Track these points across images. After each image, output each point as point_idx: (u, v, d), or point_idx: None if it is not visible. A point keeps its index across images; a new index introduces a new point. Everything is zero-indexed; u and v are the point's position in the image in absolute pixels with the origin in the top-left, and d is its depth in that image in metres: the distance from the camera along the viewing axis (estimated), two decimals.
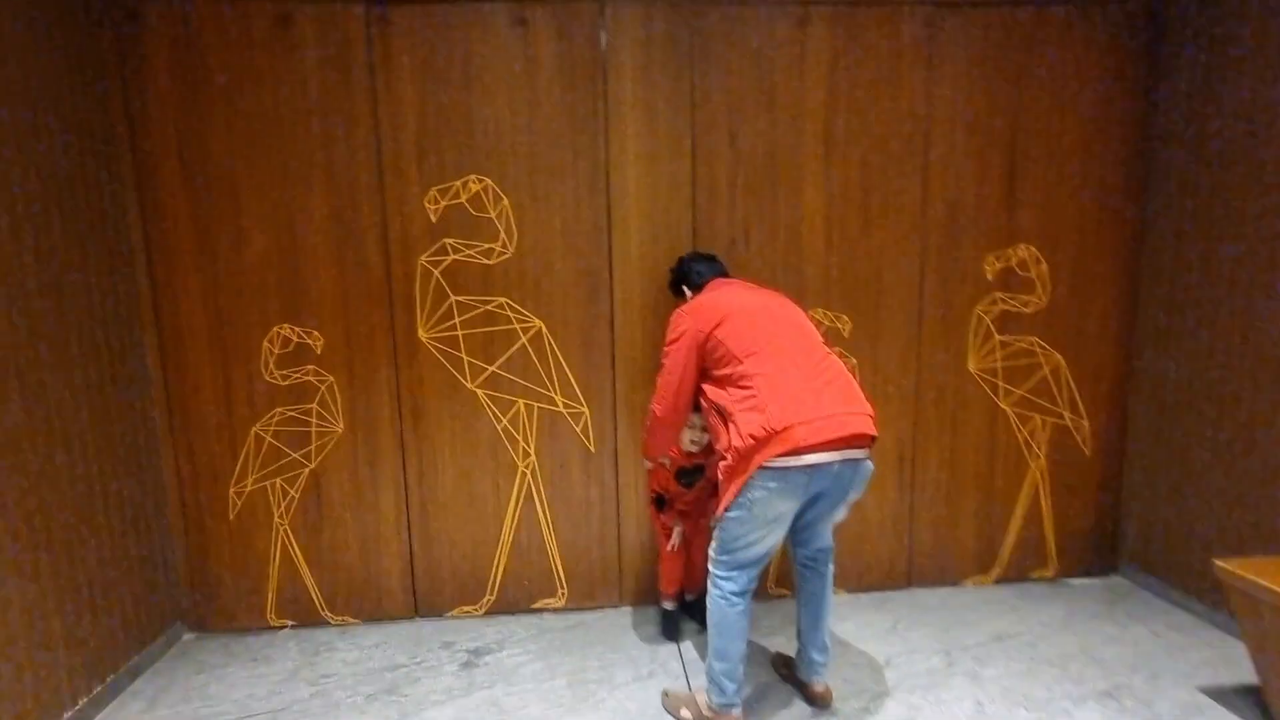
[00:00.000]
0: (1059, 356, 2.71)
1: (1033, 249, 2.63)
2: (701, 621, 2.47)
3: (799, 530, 1.91)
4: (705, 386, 1.92)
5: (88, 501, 2.12)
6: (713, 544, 1.89)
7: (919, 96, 2.51)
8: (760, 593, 2.73)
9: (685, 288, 2.19)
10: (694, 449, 2.29)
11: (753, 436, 1.69)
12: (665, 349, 1.98)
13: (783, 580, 2.75)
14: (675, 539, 2.42)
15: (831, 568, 2.00)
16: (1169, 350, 2.59)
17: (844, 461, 1.73)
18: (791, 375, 1.76)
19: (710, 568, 1.90)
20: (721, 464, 1.81)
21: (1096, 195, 2.63)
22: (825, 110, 2.49)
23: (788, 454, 1.67)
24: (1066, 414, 2.75)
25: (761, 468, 1.69)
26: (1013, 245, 2.63)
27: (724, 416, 1.81)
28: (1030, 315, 2.67)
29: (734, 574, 1.85)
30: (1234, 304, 2.33)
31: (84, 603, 2.09)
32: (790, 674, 2.14)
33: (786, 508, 1.76)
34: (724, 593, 1.86)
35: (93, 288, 2.18)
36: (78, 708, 2.04)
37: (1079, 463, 2.79)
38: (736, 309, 1.90)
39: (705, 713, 1.93)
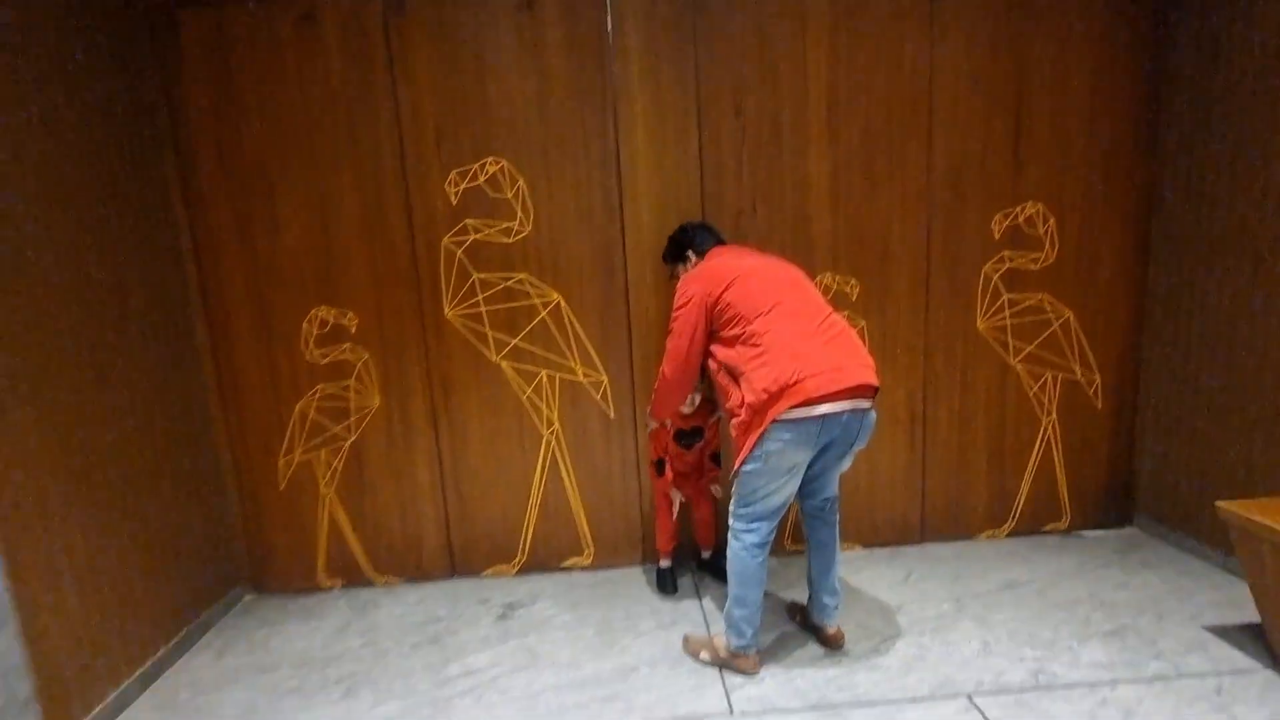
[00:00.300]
0: (1069, 312, 2.74)
1: (1040, 206, 2.66)
2: (719, 576, 2.62)
3: (808, 481, 2.02)
4: (714, 348, 2.01)
5: (155, 473, 2.33)
6: (733, 499, 2.00)
7: (922, 57, 2.54)
8: (778, 549, 2.86)
9: (690, 253, 2.26)
10: (688, 410, 2.43)
11: (766, 391, 1.80)
12: (674, 313, 2.06)
13: (798, 537, 2.87)
14: (676, 502, 2.57)
15: (838, 516, 2.11)
16: (1180, 301, 2.60)
17: (852, 411, 1.84)
18: (799, 331, 1.87)
19: (731, 522, 2.02)
20: (735, 420, 1.91)
21: (1105, 149, 2.63)
22: (828, 77, 2.54)
23: (800, 405, 1.78)
24: (1078, 369, 2.79)
25: (776, 420, 1.80)
26: (1020, 204, 2.65)
27: (734, 375, 1.92)
28: (1039, 272, 2.70)
29: (755, 525, 1.97)
30: (1244, 253, 2.34)
31: (158, 565, 2.31)
32: (805, 620, 2.27)
33: (801, 457, 1.87)
34: (745, 545, 1.98)
35: (147, 276, 2.37)
36: (157, 656, 2.27)
37: (1091, 416, 2.83)
38: (744, 271, 1.98)
39: (723, 655, 2.07)
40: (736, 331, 1.93)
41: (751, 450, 1.86)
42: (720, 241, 2.25)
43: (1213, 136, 2.42)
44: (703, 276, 2.03)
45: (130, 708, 2.10)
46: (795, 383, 1.78)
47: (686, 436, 2.49)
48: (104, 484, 2.09)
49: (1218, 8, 2.37)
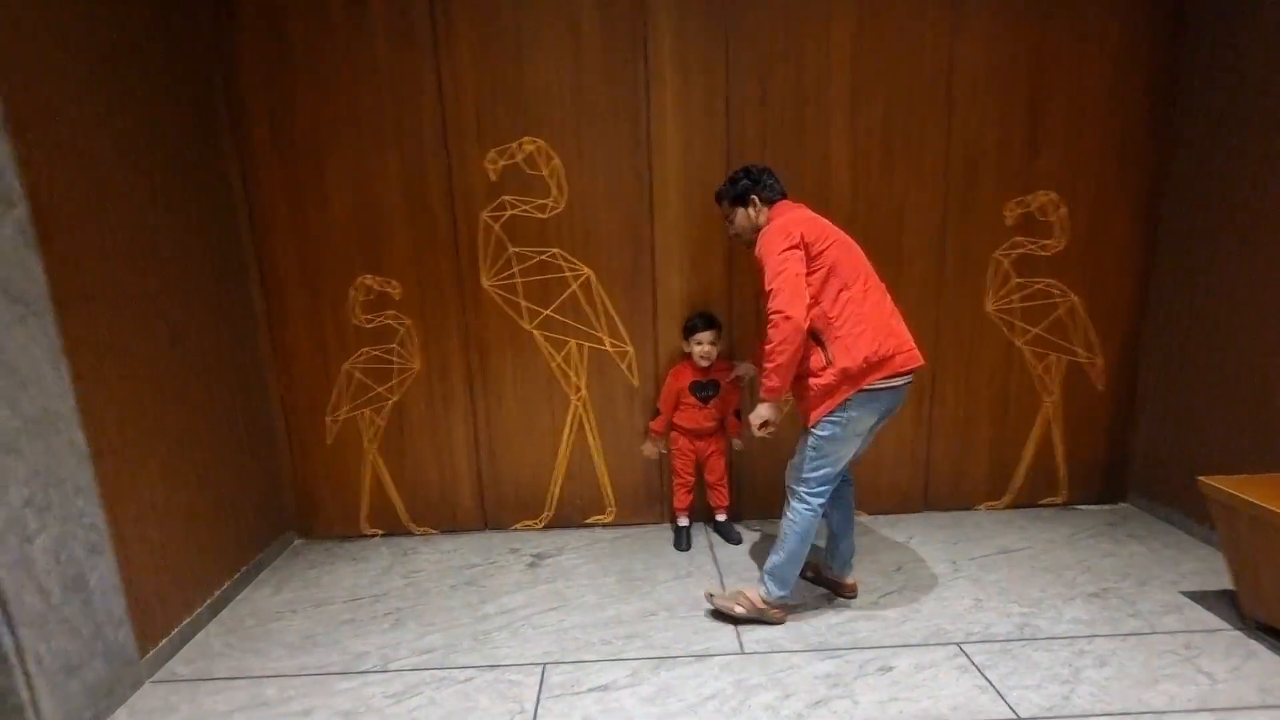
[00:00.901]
0: (1075, 297, 2.87)
1: (1053, 194, 2.77)
2: (732, 539, 2.83)
3: None
4: None
5: (217, 427, 2.54)
6: (802, 466, 2.10)
7: (943, 46, 2.63)
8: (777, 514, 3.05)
9: (755, 198, 2.16)
10: (704, 364, 2.65)
11: (866, 360, 1.95)
12: (778, 256, 1.96)
13: None
14: (656, 452, 2.91)
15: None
16: (1181, 291, 2.72)
17: (906, 385, 2.06)
18: (883, 306, 2.04)
19: (798, 488, 2.12)
20: (813, 382, 2.01)
21: (1117, 141, 2.73)
22: (851, 63, 2.64)
23: (888, 377, 1.98)
24: (1081, 351, 2.93)
25: (863, 389, 1.97)
26: (1033, 191, 2.76)
27: (822, 338, 2.00)
28: (1048, 258, 2.83)
29: (823, 489, 2.10)
30: (1246, 247, 2.45)
31: (221, 508, 2.54)
32: (818, 575, 2.45)
33: (871, 423, 2.07)
34: (813, 507, 2.11)
35: (208, 243, 2.56)
36: (222, 589, 2.51)
37: (1092, 397, 2.98)
38: (836, 236, 2.05)
39: (760, 605, 2.20)
40: (833, 293, 1.99)
41: (831, 413, 2.00)
42: (785, 195, 2.20)
43: (1223, 132, 2.51)
44: (805, 225, 2.01)
45: (202, 632, 2.35)
46: (891, 356, 1.98)
47: (703, 388, 2.69)
48: (176, 434, 2.31)
49: (1234, 4, 2.44)
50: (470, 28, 2.61)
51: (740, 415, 2.86)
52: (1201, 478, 2.17)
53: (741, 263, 2.80)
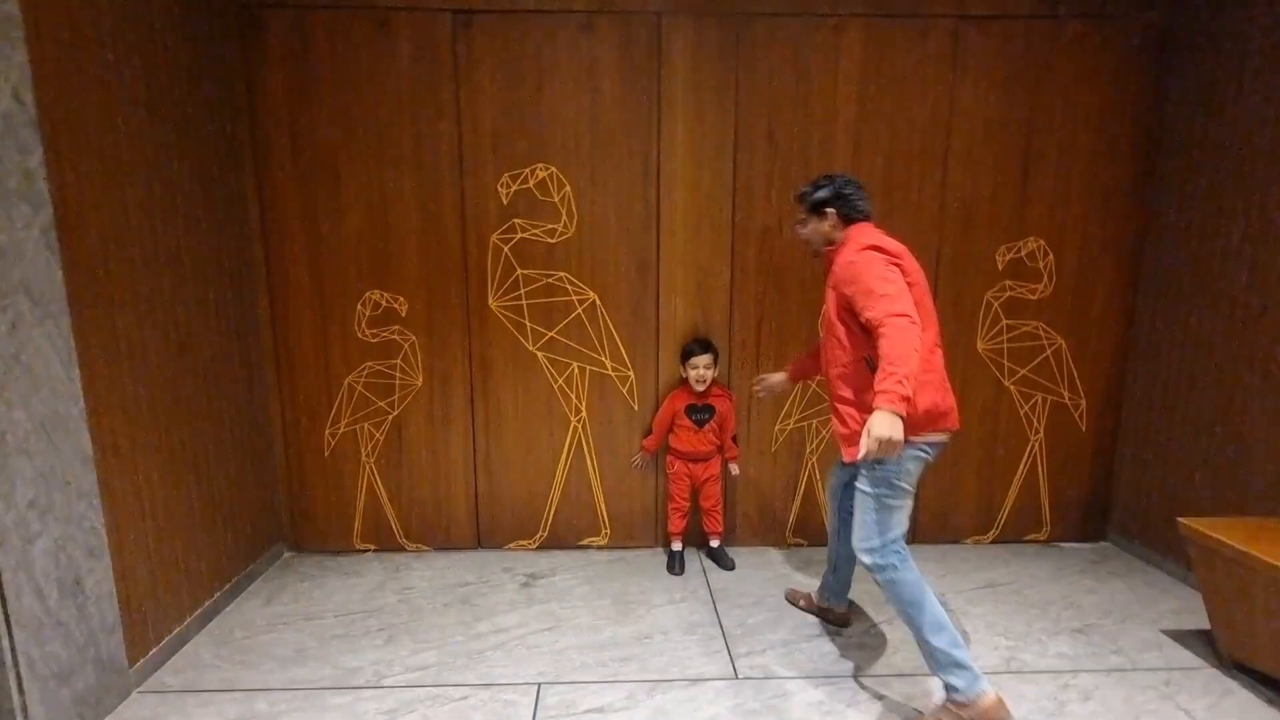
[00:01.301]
0: (1061, 340, 2.98)
1: (1041, 242, 2.90)
2: (725, 565, 2.86)
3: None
4: (857, 337, 1.89)
5: (218, 433, 2.54)
6: (871, 538, 1.88)
7: (942, 100, 2.77)
8: (780, 541, 3.10)
9: (832, 211, 2.00)
10: (699, 388, 2.72)
11: (927, 411, 1.82)
12: (882, 268, 1.78)
13: (799, 531, 3.10)
14: (639, 464, 2.95)
15: None
16: (1162, 338, 2.85)
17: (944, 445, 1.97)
18: (943, 361, 1.95)
19: (878, 560, 1.87)
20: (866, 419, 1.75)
21: (1103, 193, 2.87)
22: (856, 111, 2.77)
23: (940, 431, 1.89)
24: (1066, 393, 3.03)
25: (919, 440, 1.84)
26: (1023, 238, 2.89)
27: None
28: (1036, 302, 2.94)
29: (898, 546, 1.88)
30: (1222, 298, 2.59)
31: (216, 516, 2.53)
32: (812, 604, 2.47)
33: (918, 476, 1.92)
34: (909, 567, 1.86)
35: (222, 253, 2.59)
36: (212, 599, 2.49)
37: (1075, 438, 3.08)
38: (921, 277, 1.90)
39: (966, 710, 1.80)
40: None
41: (889, 467, 1.83)
42: (869, 216, 2.03)
43: (1201, 187, 2.66)
44: (903, 253, 1.88)
45: (191, 642, 2.32)
46: (946, 412, 1.90)
47: (699, 411, 2.75)
48: (178, 439, 2.31)
49: (1212, 67, 2.61)
50: (491, 56, 2.70)
51: (737, 440, 2.92)
52: (1180, 519, 2.26)
53: (743, 294, 2.88)
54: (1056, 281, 2.93)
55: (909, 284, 1.82)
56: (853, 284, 1.83)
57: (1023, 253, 2.91)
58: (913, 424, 1.76)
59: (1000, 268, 2.91)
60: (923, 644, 1.86)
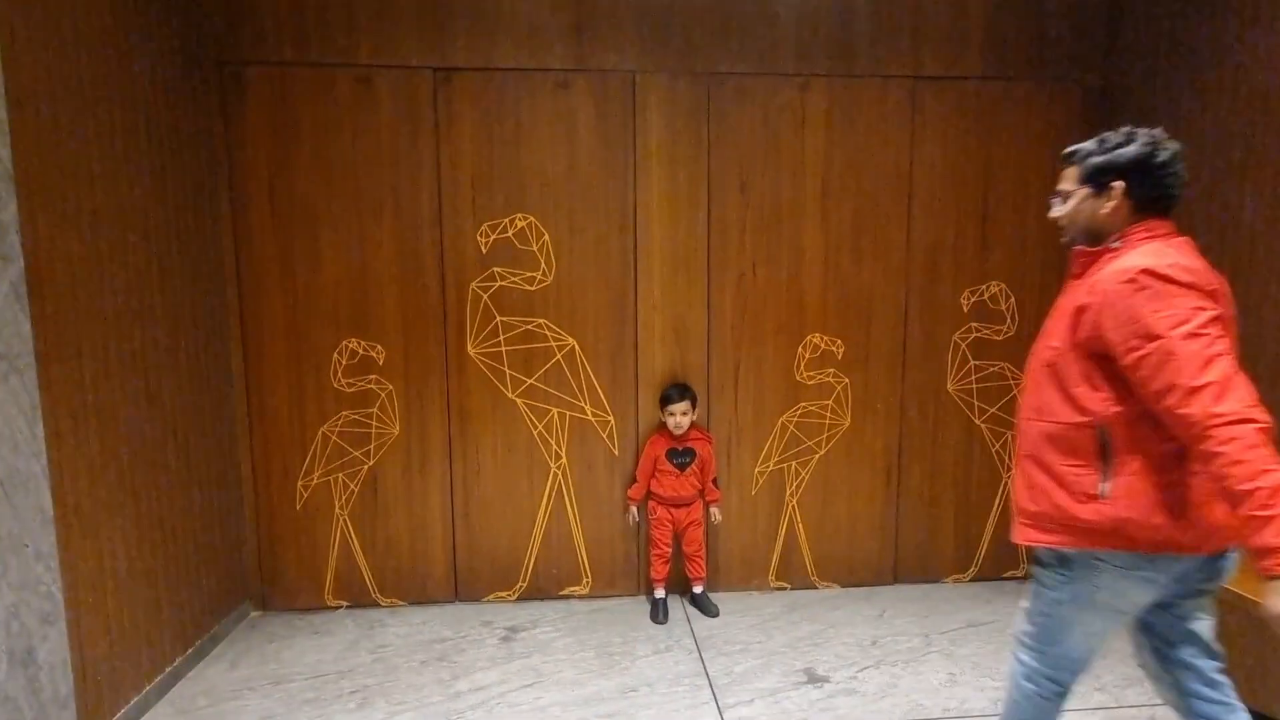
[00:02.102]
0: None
1: (1003, 285, 3.02)
2: (709, 612, 2.83)
3: None
4: (1110, 393, 1.30)
5: (186, 488, 2.47)
6: (1031, 631, 1.46)
7: (904, 154, 2.92)
8: (763, 584, 3.07)
9: (1120, 189, 1.35)
10: (678, 432, 2.75)
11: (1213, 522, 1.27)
12: (1195, 327, 1.18)
13: (781, 574, 3.08)
14: (633, 518, 2.91)
15: None
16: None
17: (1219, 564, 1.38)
18: None
19: (1020, 654, 1.48)
20: (1062, 497, 1.33)
21: (1056, 241, 3.00)
22: (823, 164, 2.90)
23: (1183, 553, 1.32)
24: None
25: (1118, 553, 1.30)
26: (985, 282, 3.02)
27: (1110, 448, 1.30)
28: (1001, 342, 3.05)
29: (1057, 673, 1.44)
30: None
31: (181, 576, 2.43)
32: None
33: (1144, 601, 1.39)
34: (1039, 690, 1.46)
35: (197, 303, 2.56)
36: (174, 665, 2.36)
37: None
38: (1229, 305, 1.31)
39: None
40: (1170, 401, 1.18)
41: (1066, 562, 1.36)
42: (1173, 205, 1.40)
43: None
44: (1206, 285, 1.25)
45: (150, 712, 2.19)
46: (1213, 529, 1.32)
47: (679, 455, 2.76)
48: (144, 494, 2.23)
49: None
50: (471, 111, 2.78)
51: (718, 483, 2.92)
52: None
53: (719, 338, 2.94)
54: (1019, 323, 3.04)
55: (1225, 309, 1.25)
56: (1129, 325, 1.22)
57: (985, 295, 3.03)
58: (1127, 531, 1.28)
59: (965, 310, 3.03)
60: None
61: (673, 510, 2.83)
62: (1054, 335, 1.40)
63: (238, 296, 2.78)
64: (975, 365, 3.05)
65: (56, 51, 1.90)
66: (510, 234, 2.84)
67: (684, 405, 2.77)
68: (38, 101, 1.84)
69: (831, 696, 2.25)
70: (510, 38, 2.75)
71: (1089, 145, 1.43)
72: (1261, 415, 1.13)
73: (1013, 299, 3.03)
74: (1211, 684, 1.40)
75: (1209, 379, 1.14)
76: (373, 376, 2.85)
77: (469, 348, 2.87)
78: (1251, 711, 1.83)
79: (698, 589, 2.92)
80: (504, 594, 2.99)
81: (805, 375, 2.98)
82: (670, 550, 2.87)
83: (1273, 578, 1.08)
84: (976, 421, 3.09)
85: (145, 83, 2.29)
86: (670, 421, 2.76)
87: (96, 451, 2.02)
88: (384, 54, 2.72)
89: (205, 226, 2.63)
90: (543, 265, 2.86)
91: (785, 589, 3.07)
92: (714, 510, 2.90)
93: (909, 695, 2.24)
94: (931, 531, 3.13)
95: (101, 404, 2.04)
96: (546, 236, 2.85)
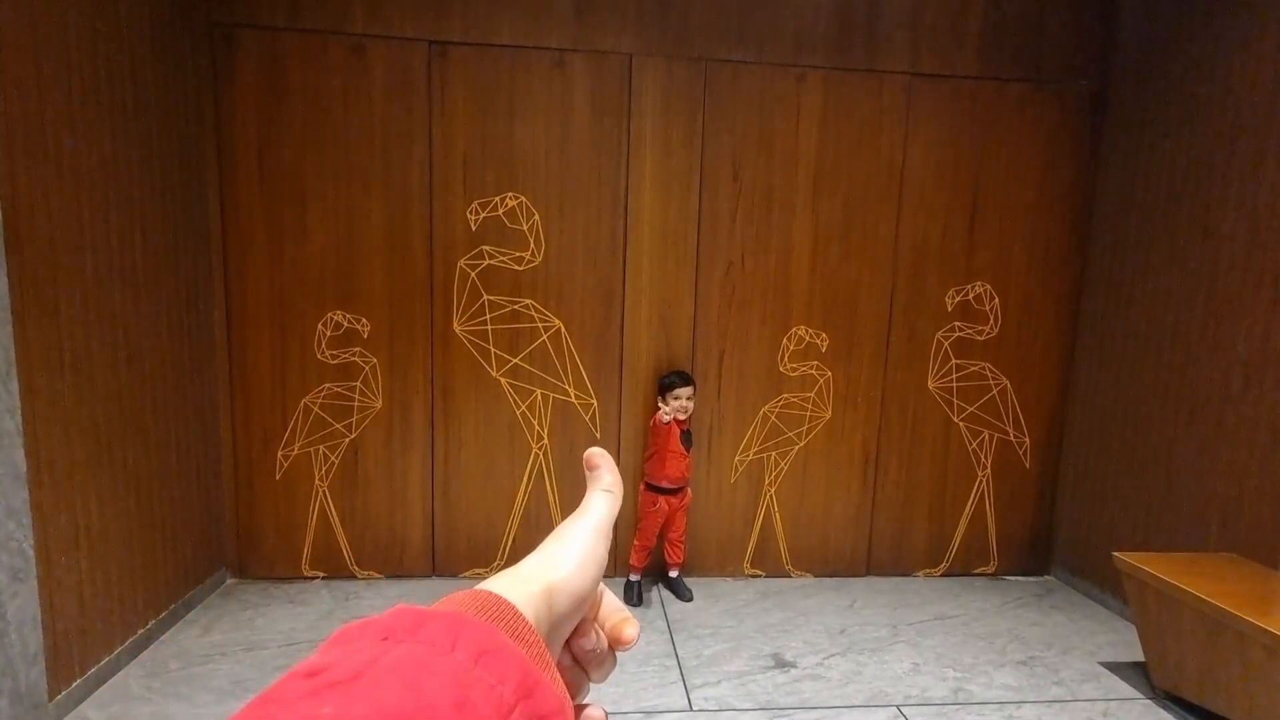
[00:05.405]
0: (1006, 380, 3.12)
1: (988, 286, 3.05)
2: (683, 595, 2.86)
3: None
4: None
5: (164, 453, 2.46)
6: None
7: (896, 150, 2.93)
8: (737, 571, 3.11)
9: None
10: (683, 416, 2.74)
11: None
12: None
13: (756, 561, 3.12)
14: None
15: None
16: (1099, 381, 3.01)
17: None
18: None
19: None
20: None
21: (1044, 243, 3.05)
22: (815, 156, 2.91)
23: None
24: (1011, 431, 3.16)
25: None
26: (971, 282, 3.04)
27: None
28: (983, 343, 3.09)
29: None
30: (1149, 349, 2.76)
31: (157, 540, 2.42)
32: None
33: None
34: None
35: (180, 271, 2.54)
36: (147, 628, 2.37)
37: (1020, 474, 3.20)
38: None
39: None
40: None
41: None
42: None
43: (1130, 242, 2.86)
44: None
45: (120, 673, 2.20)
46: None
47: (687, 437, 2.77)
48: (121, 457, 2.23)
49: (1138, 129, 2.83)
50: (466, 86, 2.76)
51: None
52: (1116, 554, 2.36)
53: (706, 326, 2.95)
54: (1002, 324, 3.08)
55: None
56: None
57: (970, 295, 3.05)
58: None
59: (949, 309, 3.05)
60: None
61: (670, 499, 2.81)
62: None
63: (223, 263, 2.76)
64: (956, 364, 3.09)
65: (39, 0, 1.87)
66: (500, 212, 2.83)
67: (689, 390, 2.75)
68: (20, 53, 1.81)
69: (797, 681, 2.29)
70: (508, 14, 2.72)
71: None
72: None
73: (997, 300, 3.06)
74: None
75: None
76: (357, 349, 2.84)
77: (455, 325, 2.86)
78: (1166, 694, 1.83)
79: (674, 573, 2.95)
80: (481, 570, 3.01)
81: (789, 367, 3.00)
82: (655, 544, 2.87)
83: None
84: (955, 420, 3.12)
85: (134, 38, 2.25)
86: (675, 405, 2.71)
87: (73, 410, 2.01)
88: (378, 24, 2.69)
89: (192, 190, 2.61)
90: (532, 245, 2.86)
91: (760, 576, 3.11)
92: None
93: (872, 682, 2.29)
94: (905, 526, 3.17)
95: (79, 363, 2.02)
96: (537, 216, 2.84)
